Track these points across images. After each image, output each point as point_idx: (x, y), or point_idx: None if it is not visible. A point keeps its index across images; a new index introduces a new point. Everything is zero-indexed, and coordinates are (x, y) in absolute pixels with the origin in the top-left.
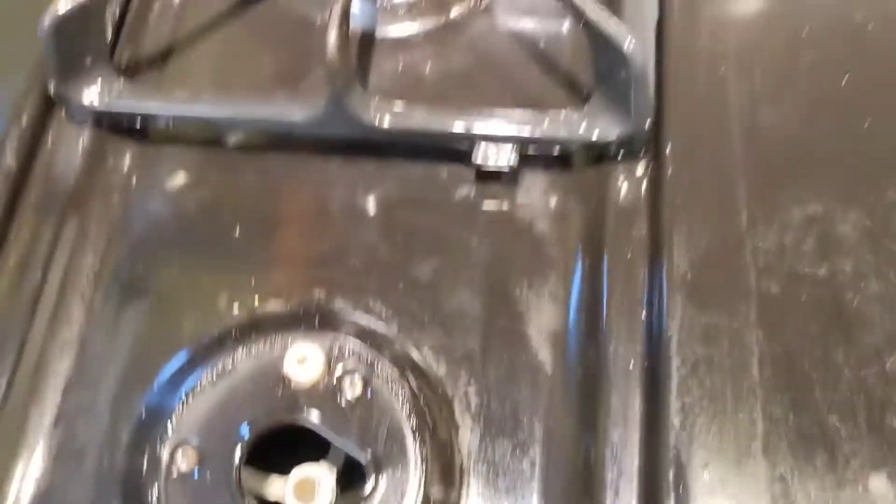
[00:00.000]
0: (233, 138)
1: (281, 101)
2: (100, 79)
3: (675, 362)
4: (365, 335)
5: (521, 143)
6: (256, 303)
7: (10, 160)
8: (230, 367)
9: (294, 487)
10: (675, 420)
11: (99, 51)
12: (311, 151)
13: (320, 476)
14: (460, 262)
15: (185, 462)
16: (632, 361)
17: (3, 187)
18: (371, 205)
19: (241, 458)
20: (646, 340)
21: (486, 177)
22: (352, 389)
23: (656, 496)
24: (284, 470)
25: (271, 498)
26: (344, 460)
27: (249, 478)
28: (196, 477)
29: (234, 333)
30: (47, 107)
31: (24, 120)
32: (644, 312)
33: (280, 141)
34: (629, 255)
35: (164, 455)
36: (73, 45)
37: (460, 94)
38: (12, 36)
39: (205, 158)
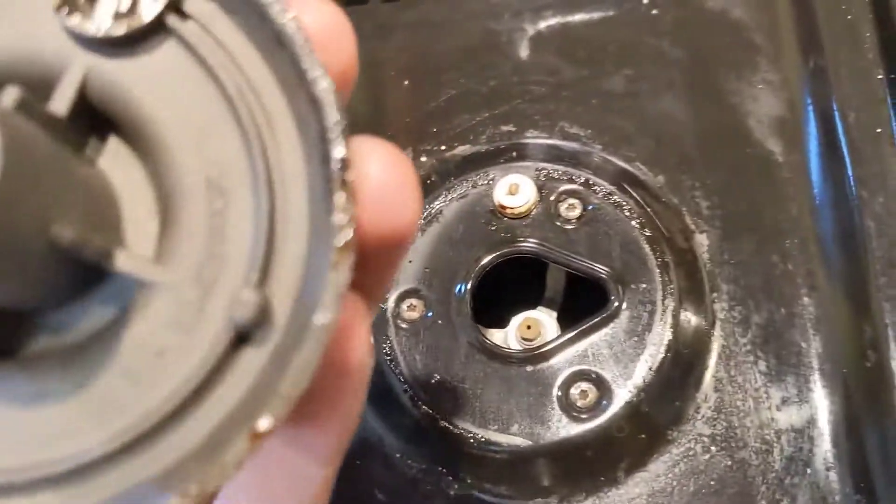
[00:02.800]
0: None
1: None
2: None
3: None
4: (569, 159)
5: None
6: (443, 149)
7: None
8: (436, 211)
9: (518, 329)
10: None
11: None
12: None
13: (542, 318)
14: (654, 66)
15: (411, 311)
16: (876, 127)
17: None
18: (540, 28)
19: (471, 293)
20: (893, 98)
21: None
22: (570, 210)
23: None
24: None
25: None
26: (560, 305)
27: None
28: (425, 321)
29: (429, 180)
30: None
31: None
32: (881, 70)
33: None
34: (849, 14)
35: (390, 307)
36: None
37: None
38: None
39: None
